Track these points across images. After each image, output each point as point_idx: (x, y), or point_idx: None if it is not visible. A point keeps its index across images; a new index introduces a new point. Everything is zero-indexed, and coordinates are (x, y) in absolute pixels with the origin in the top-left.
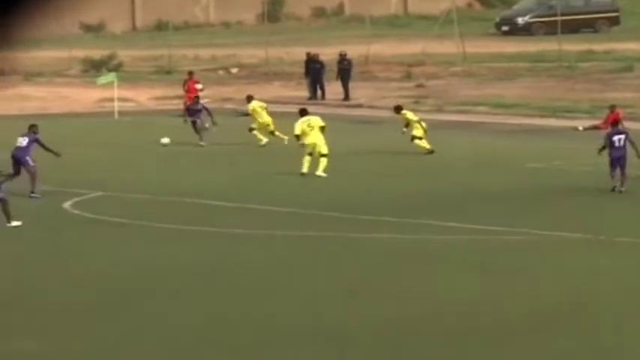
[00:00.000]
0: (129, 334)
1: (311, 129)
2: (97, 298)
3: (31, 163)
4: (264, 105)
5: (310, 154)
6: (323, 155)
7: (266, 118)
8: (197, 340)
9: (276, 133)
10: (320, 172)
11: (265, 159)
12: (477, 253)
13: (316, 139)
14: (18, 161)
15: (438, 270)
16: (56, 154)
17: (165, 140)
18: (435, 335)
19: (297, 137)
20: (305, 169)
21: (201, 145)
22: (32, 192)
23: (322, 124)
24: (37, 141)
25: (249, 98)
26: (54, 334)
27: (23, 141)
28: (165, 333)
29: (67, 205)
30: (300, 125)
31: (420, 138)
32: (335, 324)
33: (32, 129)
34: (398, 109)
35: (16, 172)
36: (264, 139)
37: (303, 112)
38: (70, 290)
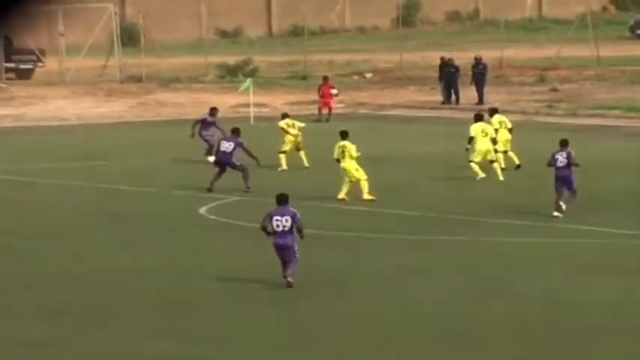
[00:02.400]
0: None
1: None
2: (239, 304)
3: (237, 163)
4: (293, 123)
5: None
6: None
7: (292, 136)
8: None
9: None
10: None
11: (406, 165)
12: (613, 257)
13: (488, 146)
14: (224, 166)
15: (575, 273)
16: (258, 163)
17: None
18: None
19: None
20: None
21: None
22: (248, 187)
23: (354, 154)
24: (241, 145)
25: (284, 116)
26: (197, 339)
27: (229, 146)
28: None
29: (202, 210)
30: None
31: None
32: (479, 325)
33: (235, 133)
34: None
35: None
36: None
37: (478, 118)
38: (217, 295)
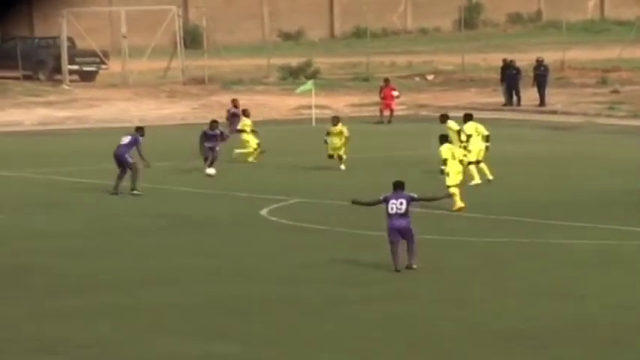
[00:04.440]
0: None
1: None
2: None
3: (130, 160)
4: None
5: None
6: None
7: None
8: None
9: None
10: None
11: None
12: None
13: (480, 146)
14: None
15: (622, 275)
16: (147, 165)
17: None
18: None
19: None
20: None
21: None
22: (134, 188)
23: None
24: (136, 142)
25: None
26: (259, 340)
27: (125, 140)
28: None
29: (264, 212)
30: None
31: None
32: (523, 326)
33: (139, 131)
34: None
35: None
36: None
37: (468, 117)
38: (276, 296)
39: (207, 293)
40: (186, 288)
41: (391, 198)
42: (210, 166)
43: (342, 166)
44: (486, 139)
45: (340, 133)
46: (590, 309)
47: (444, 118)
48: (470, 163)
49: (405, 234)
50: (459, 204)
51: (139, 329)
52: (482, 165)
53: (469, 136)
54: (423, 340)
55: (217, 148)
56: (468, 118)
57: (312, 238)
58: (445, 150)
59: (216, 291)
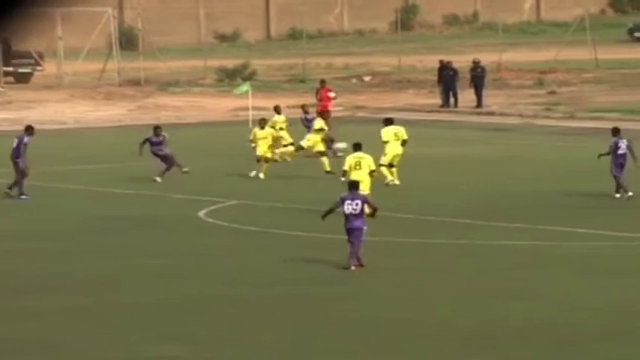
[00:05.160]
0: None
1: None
2: (255, 307)
3: (21, 163)
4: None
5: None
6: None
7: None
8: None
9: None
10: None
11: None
12: (615, 260)
13: (398, 150)
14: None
15: (564, 275)
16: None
17: (342, 145)
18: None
19: (344, 173)
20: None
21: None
22: (8, 189)
23: (372, 166)
24: (21, 144)
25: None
26: (205, 341)
27: (15, 142)
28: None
29: (201, 213)
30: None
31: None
32: (476, 327)
33: (28, 130)
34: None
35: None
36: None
37: (389, 122)
38: (219, 298)
39: (157, 294)
40: (136, 289)
41: (347, 198)
42: (167, 170)
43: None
44: (403, 143)
45: (269, 136)
46: (542, 310)
47: (388, 122)
48: (382, 165)
49: (356, 235)
50: (389, 178)
51: (90, 331)
52: (394, 170)
53: (385, 142)
54: (376, 340)
55: (166, 152)
56: (388, 122)
57: (250, 240)
58: (386, 132)
59: (167, 292)
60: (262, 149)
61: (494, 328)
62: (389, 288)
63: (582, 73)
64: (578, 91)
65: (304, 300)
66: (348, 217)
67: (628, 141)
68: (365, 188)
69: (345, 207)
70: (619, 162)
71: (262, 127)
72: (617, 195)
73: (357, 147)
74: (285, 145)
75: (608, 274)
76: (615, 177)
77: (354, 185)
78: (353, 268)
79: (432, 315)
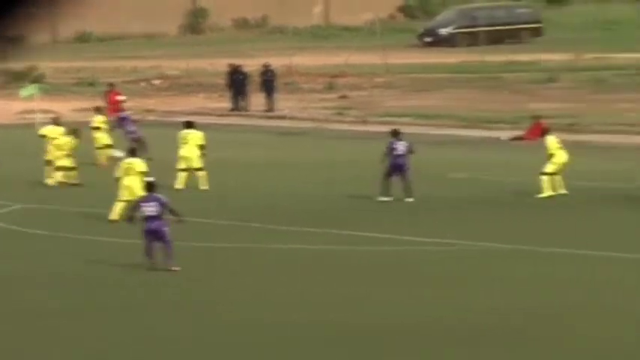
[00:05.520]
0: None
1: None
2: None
3: None
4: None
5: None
6: (199, 169)
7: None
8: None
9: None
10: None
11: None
12: (396, 264)
13: (191, 153)
14: None
15: (356, 280)
16: None
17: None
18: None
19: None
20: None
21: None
22: None
23: (143, 169)
24: None
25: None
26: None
27: None
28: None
29: None
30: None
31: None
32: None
33: None
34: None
35: None
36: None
37: (189, 125)
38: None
39: None
40: None
41: (142, 202)
42: None
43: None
44: (201, 147)
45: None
46: (324, 314)
47: (188, 125)
48: (185, 170)
49: (159, 236)
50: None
51: None
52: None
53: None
54: (171, 348)
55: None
56: (188, 125)
57: (40, 245)
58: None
59: None
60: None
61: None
62: (175, 295)
63: (373, 77)
64: (369, 95)
65: (81, 308)
66: (146, 220)
67: (409, 143)
68: (136, 193)
69: (143, 209)
70: (397, 163)
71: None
72: (386, 199)
73: (131, 152)
74: (101, 147)
75: (390, 282)
76: (386, 180)
77: (149, 187)
78: (175, 268)
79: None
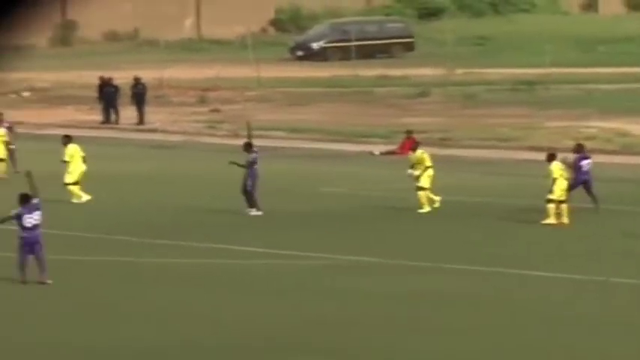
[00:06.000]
0: None
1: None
2: None
3: None
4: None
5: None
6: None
7: None
8: None
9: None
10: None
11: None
12: (259, 277)
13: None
14: None
15: (219, 293)
16: None
17: None
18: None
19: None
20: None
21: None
22: None
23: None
24: None
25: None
26: None
27: None
28: None
29: None
30: None
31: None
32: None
33: None
34: None
35: None
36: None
37: (68, 139)
38: None
39: None
40: None
41: (25, 212)
42: None
43: None
44: (83, 159)
45: None
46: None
47: (66, 140)
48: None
49: (38, 247)
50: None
51: None
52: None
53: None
54: None
55: None
56: (67, 140)
57: None
58: (70, 149)
59: None
60: None
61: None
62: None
63: (245, 91)
64: (241, 109)
65: None
66: (29, 230)
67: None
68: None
69: (26, 221)
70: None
71: None
72: (253, 212)
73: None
74: None
75: (249, 292)
76: (250, 192)
77: (27, 198)
78: (50, 281)
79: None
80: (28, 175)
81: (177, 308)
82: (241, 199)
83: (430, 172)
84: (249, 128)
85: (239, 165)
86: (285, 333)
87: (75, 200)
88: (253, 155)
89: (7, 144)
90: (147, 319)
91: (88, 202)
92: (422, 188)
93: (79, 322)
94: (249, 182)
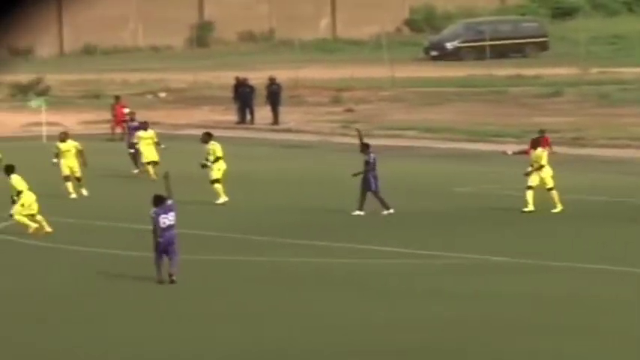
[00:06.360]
0: None
1: None
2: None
3: None
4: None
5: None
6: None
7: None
8: None
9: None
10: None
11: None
12: (398, 277)
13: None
14: None
15: (358, 293)
16: None
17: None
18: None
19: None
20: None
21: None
22: None
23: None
24: None
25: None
26: None
27: None
28: None
29: None
30: None
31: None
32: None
33: None
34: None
35: None
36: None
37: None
38: None
39: None
40: None
41: (160, 213)
42: None
43: (84, 192)
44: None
45: (73, 149)
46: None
47: (206, 137)
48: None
49: (173, 247)
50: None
51: None
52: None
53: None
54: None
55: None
56: (207, 137)
57: (40, 256)
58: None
59: None
60: (68, 165)
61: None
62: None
63: (379, 90)
64: (375, 108)
65: (72, 317)
66: (164, 230)
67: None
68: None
69: (161, 221)
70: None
71: (63, 140)
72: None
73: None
74: (149, 163)
75: (381, 293)
76: (375, 193)
77: (161, 199)
78: (175, 278)
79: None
80: (166, 176)
81: (314, 309)
82: (373, 200)
83: (543, 171)
84: (360, 135)
85: (359, 173)
86: (416, 336)
87: (216, 200)
88: (371, 156)
89: (156, 144)
90: (284, 319)
91: (223, 203)
92: (530, 187)
93: (212, 322)
94: (372, 183)
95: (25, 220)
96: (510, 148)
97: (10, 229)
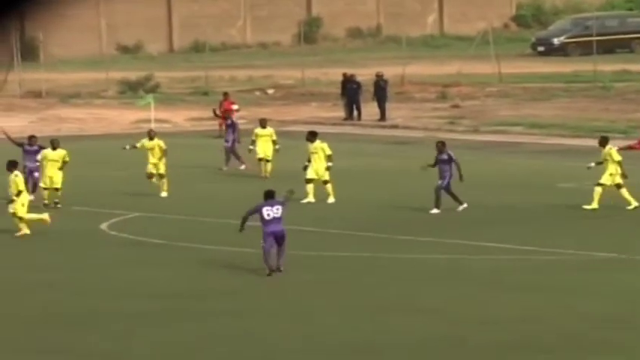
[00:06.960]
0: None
1: None
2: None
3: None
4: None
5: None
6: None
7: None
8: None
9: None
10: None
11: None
12: (508, 273)
13: (319, 165)
14: None
15: (469, 289)
16: None
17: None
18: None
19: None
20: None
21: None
22: None
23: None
24: None
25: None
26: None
27: None
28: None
29: (104, 226)
30: None
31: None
32: (364, 341)
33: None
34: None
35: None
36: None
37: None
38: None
39: (43, 307)
40: (20, 302)
41: (264, 205)
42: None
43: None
44: (329, 158)
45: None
46: (433, 324)
47: (312, 137)
48: (310, 180)
49: (282, 238)
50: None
51: None
52: (329, 185)
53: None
54: (267, 355)
55: (36, 174)
56: (313, 137)
57: (151, 253)
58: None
59: (53, 305)
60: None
61: (383, 342)
62: (287, 302)
63: (486, 86)
64: (481, 104)
65: (199, 313)
66: (268, 222)
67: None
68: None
69: (265, 213)
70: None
71: (151, 138)
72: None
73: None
74: (261, 159)
75: (508, 289)
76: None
77: (271, 195)
78: (282, 269)
79: (317, 329)
80: (291, 193)
81: (430, 304)
82: (447, 198)
83: (613, 169)
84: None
85: (427, 166)
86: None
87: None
88: (443, 156)
89: (274, 143)
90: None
91: (308, 203)
92: (600, 184)
93: (333, 317)
94: (445, 182)
95: (25, 220)
96: (616, 144)
97: (116, 225)
